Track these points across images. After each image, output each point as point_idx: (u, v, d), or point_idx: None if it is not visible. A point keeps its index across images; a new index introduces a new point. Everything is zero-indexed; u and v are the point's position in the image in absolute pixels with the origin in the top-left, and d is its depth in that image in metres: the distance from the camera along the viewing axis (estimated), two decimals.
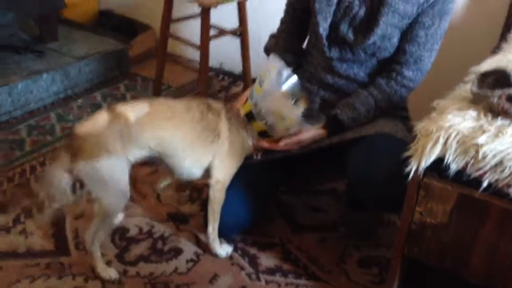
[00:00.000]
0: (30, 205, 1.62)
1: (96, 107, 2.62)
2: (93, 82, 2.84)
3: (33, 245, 1.75)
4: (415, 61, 1.62)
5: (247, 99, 1.70)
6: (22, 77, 2.53)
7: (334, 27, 1.67)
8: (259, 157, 1.72)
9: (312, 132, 1.64)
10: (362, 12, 1.63)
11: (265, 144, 1.69)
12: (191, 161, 1.64)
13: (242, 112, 1.71)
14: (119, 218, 1.86)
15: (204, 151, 1.64)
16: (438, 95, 1.46)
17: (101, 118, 1.54)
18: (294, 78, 1.58)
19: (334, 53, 1.68)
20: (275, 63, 1.60)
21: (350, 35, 1.64)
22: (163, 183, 2.06)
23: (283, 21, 1.89)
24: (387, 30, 1.59)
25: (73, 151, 1.51)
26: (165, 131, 1.60)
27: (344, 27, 1.65)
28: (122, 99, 2.76)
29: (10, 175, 2.08)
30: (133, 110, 1.57)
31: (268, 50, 1.95)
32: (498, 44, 1.92)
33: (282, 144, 1.65)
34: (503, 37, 1.98)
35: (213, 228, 1.72)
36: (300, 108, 1.59)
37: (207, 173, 1.69)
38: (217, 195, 1.68)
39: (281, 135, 1.65)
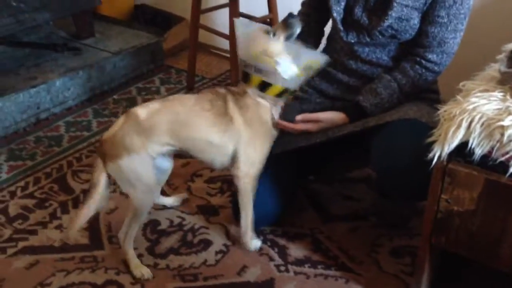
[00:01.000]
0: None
1: (131, 102, 2.66)
2: (128, 76, 2.88)
3: (69, 240, 1.80)
4: (438, 43, 1.54)
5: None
6: (60, 74, 2.60)
7: (348, 10, 1.61)
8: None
9: (331, 113, 1.61)
10: None
11: (283, 123, 1.65)
12: (212, 151, 1.64)
13: (252, 84, 1.63)
14: (181, 197, 1.98)
15: (222, 139, 1.62)
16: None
17: (118, 121, 1.63)
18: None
19: (352, 38, 1.63)
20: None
21: (365, 19, 1.58)
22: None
23: (301, 11, 1.85)
24: (402, 12, 1.52)
25: (102, 157, 1.62)
26: (176, 124, 1.61)
27: (358, 10, 1.59)
28: (157, 92, 2.80)
29: (48, 170, 2.15)
30: (143, 108, 1.63)
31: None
32: None
33: (300, 123, 1.62)
34: None
35: (245, 221, 1.70)
36: (280, 37, 1.59)
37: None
38: (246, 187, 1.65)
39: (278, 79, 1.59)
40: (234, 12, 2.47)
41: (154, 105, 1.65)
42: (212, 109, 1.62)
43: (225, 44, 2.73)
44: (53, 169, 2.16)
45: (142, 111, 1.61)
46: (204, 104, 1.63)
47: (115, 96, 2.74)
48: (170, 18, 3.33)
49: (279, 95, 1.63)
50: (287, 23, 1.59)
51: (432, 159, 1.24)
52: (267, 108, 1.64)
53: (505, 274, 1.31)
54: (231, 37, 2.50)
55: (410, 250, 1.73)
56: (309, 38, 1.77)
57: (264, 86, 1.62)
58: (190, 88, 2.83)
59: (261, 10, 2.66)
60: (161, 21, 3.34)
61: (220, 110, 1.63)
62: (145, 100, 2.64)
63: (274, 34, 1.59)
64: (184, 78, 2.92)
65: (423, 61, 1.57)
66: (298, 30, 1.61)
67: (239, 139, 1.63)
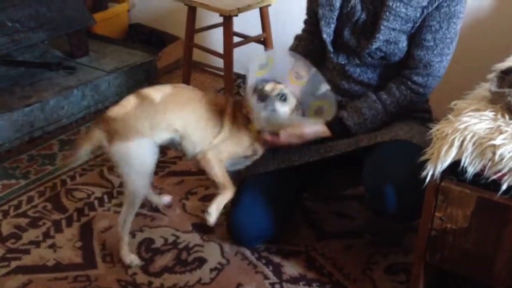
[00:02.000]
0: None
1: None
2: (122, 95, 2.86)
3: (62, 259, 1.79)
4: (424, 66, 1.56)
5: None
6: (54, 93, 2.60)
7: (338, 33, 1.64)
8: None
9: (315, 127, 1.63)
10: (363, 17, 1.59)
11: (267, 137, 1.67)
12: (201, 140, 1.70)
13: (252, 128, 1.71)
14: (167, 199, 2.04)
15: (211, 133, 1.70)
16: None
17: (130, 101, 1.66)
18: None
19: (342, 59, 1.66)
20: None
21: (353, 41, 1.61)
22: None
23: (304, 29, 1.88)
24: (390, 35, 1.55)
25: (109, 134, 1.63)
26: (186, 111, 1.68)
27: (347, 33, 1.62)
28: None
29: (42, 189, 2.15)
30: (158, 91, 1.68)
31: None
32: None
33: (283, 136, 1.64)
34: None
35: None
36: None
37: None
38: (207, 162, 1.69)
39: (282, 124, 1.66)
40: (228, 32, 2.51)
41: (166, 89, 1.70)
42: (211, 110, 1.71)
43: (219, 62, 2.76)
44: (47, 188, 2.16)
45: (156, 94, 1.66)
46: (208, 103, 1.72)
47: None
48: (164, 37, 3.36)
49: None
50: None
51: (423, 179, 1.26)
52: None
53: None
54: (226, 56, 2.53)
55: (405, 267, 1.73)
56: (311, 56, 1.79)
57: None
58: None
59: (255, 29, 2.69)
60: (155, 40, 3.37)
61: (216, 115, 1.72)
62: None
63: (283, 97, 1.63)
64: None
65: (409, 83, 1.59)
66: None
67: (219, 136, 1.71)
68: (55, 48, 3.03)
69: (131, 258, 1.75)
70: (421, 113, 1.67)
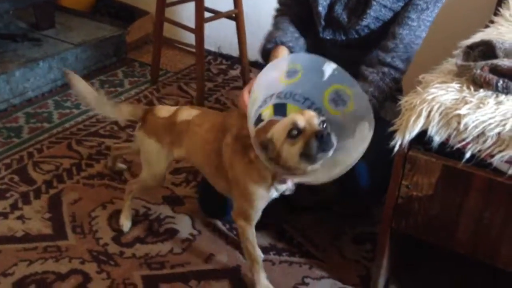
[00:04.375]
0: None
1: None
2: (90, 69, 2.85)
3: (31, 230, 1.78)
4: (405, 47, 1.54)
5: None
6: (19, 64, 2.55)
7: (330, 8, 1.63)
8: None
9: None
10: None
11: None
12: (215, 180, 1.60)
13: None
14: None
15: (222, 174, 1.52)
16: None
17: (168, 111, 1.65)
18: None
19: (328, 34, 1.66)
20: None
21: (344, 17, 1.61)
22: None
23: (279, 12, 1.79)
24: (380, 12, 1.56)
25: (142, 121, 1.67)
26: (192, 141, 1.58)
27: (339, 8, 1.62)
28: (120, 85, 2.78)
29: (8, 161, 2.11)
30: (184, 112, 1.62)
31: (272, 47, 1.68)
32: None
33: None
34: (496, 13, 1.95)
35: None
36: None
37: None
38: (239, 230, 1.56)
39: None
40: (200, 6, 2.49)
41: (191, 114, 1.60)
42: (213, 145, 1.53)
43: (189, 38, 2.74)
44: (13, 160, 2.12)
45: (181, 115, 1.61)
46: (211, 136, 1.53)
47: None
48: (133, 11, 3.30)
49: None
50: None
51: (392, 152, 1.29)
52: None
53: (460, 257, 1.39)
54: (197, 30, 2.52)
55: (372, 237, 1.79)
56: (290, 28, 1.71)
57: None
58: (154, 82, 2.82)
59: (227, 5, 2.68)
60: (124, 14, 3.32)
61: (219, 152, 1.51)
62: (108, 93, 2.63)
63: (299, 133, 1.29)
64: (148, 72, 2.91)
65: (392, 71, 1.57)
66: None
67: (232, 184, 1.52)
68: (20, 19, 2.95)
69: (124, 223, 1.80)
70: (394, 92, 1.69)
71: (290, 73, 1.36)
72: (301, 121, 1.28)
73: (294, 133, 1.27)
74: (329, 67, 1.36)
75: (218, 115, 1.62)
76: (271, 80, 1.34)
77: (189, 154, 1.61)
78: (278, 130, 1.30)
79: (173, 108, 1.66)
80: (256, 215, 1.51)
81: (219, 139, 1.49)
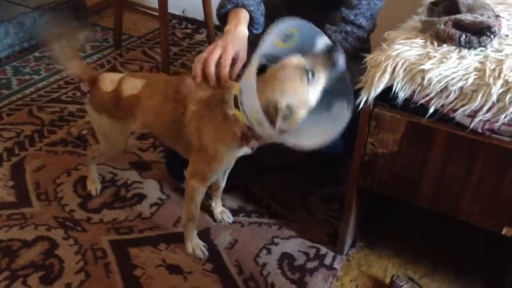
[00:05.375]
0: None
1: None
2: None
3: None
4: (368, 3, 1.51)
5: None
6: None
7: None
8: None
9: None
10: None
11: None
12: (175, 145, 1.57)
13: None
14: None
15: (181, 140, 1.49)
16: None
17: (112, 82, 1.55)
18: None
19: None
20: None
21: None
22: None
23: None
24: None
25: (90, 94, 1.62)
26: (146, 115, 1.51)
27: None
28: (81, 50, 2.69)
29: None
30: (128, 84, 1.53)
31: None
32: None
33: None
34: None
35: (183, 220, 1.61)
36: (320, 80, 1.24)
37: None
38: (187, 191, 1.53)
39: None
40: None
41: (138, 84, 1.51)
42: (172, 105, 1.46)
43: (152, 2, 2.67)
44: None
45: (126, 87, 1.52)
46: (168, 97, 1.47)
47: (36, 54, 2.62)
48: None
49: None
50: (330, 58, 1.24)
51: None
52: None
53: (423, 212, 1.42)
54: None
55: (340, 197, 1.81)
56: None
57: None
58: (117, 47, 2.75)
59: None
60: None
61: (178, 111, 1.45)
62: None
63: (312, 74, 1.22)
64: (111, 36, 2.83)
65: (355, 29, 1.54)
66: (342, 67, 1.25)
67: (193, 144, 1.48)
68: None
69: (93, 187, 1.79)
70: (361, 53, 1.68)
71: (286, 37, 1.29)
72: (303, 60, 1.22)
73: (310, 76, 1.22)
74: (322, 41, 1.31)
75: (167, 84, 1.49)
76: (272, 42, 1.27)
77: (145, 125, 1.56)
78: (290, 88, 1.21)
79: (116, 78, 1.55)
80: (214, 177, 1.52)
81: (177, 109, 1.43)
